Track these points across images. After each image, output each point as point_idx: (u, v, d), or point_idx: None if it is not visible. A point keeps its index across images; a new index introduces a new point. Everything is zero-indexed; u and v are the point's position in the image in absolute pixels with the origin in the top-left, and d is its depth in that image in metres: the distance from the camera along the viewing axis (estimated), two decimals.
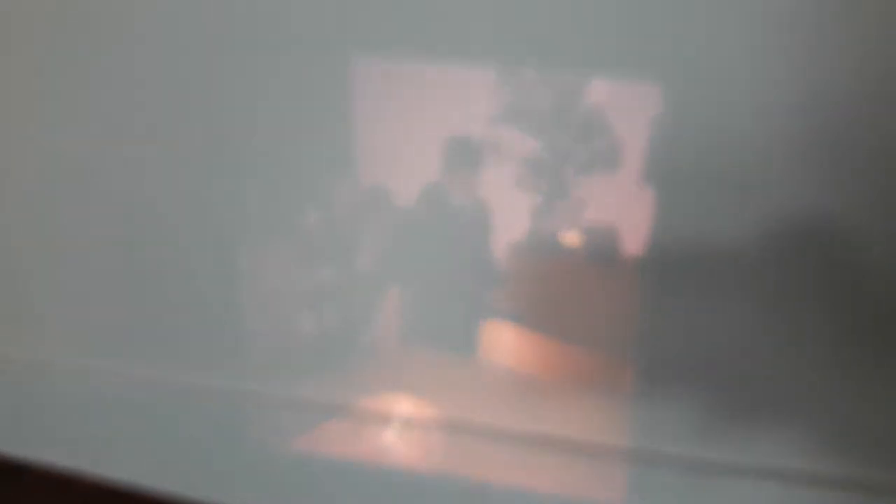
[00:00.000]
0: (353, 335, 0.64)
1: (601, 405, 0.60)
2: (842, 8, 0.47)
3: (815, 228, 0.51)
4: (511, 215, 0.57)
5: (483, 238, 0.58)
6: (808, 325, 0.53)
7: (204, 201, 0.63)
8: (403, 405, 0.65)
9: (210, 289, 0.66)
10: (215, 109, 0.60)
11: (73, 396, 0.72)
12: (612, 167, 0.54)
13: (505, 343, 0.61)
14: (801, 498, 0.56)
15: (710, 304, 0.55)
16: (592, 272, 0.57)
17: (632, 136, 0.53)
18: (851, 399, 0.54)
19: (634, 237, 0.54)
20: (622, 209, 0.54)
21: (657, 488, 0.60)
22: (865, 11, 0.46)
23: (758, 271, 0.53)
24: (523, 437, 0.62)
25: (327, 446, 0.66)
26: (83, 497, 0.72)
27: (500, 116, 0.54)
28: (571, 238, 0.56)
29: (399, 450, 0.65)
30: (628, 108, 0.52)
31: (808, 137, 0.49)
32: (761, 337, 0.55)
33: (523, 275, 0.58)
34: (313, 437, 0.67)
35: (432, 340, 0.62)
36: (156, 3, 0.58)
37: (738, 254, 0.53)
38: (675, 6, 0.49)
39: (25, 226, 0.69)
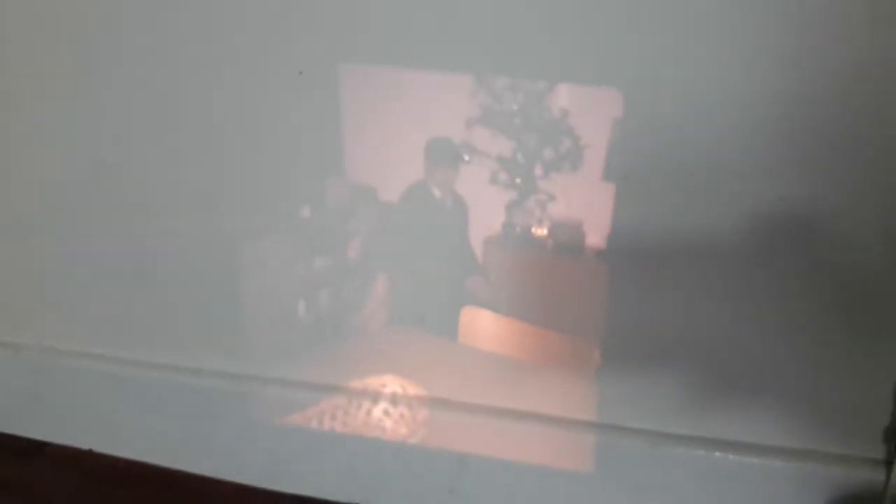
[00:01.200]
0: (345, 320, 0.67)
1: (574, 384, 0.63)
2: (823, 5, 0.48)
3: (793, 215, 0.53)
4: (487, 210, 0.60)
5: (462, 230, 0.61)
6: (785, 309, 0.56)
7: (207, 200, 0.66)
8: (391, 384, 0.67)
9: (214, 280, 0.68)
10: (219, 116, 0.63)
11: (87, 380, 0.75)
12: (579, 166, 0.56)
13: (483, 327, 0.63)
14: (764, 467, 0.60)
15: (684, 291, 0.58)
16: (564, 261, 0.60)
17: (599, 137, 0.55)
18: (824, 378, 0.57)
19: (607, 229, 0.57)
20: (592, 203, 0.57)
21: (622, 459, 0.63)
22: (847, 10, 0.48)
23: (735, 258, 0.55)
24: (500, 412, 0.65)
25: (321, 422, 0.69)
26: (96, 473, 0.75)
27: (476, 120, 0.57)
28: (542, 230, 0.59)
29: (386, 425, 0.67)
30: (596, 110, 0.55)
31: (783, 133, 0.51)
32: (738, 321, 0.57)
33: (499, 264, 0.61)
34: (309, 414, 0.69)
35: (417, 325, 0.65)
36: (165, 18, 0.61)
37: (715, 241, 0.55)
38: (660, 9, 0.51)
39: (40, 223, 0.72)
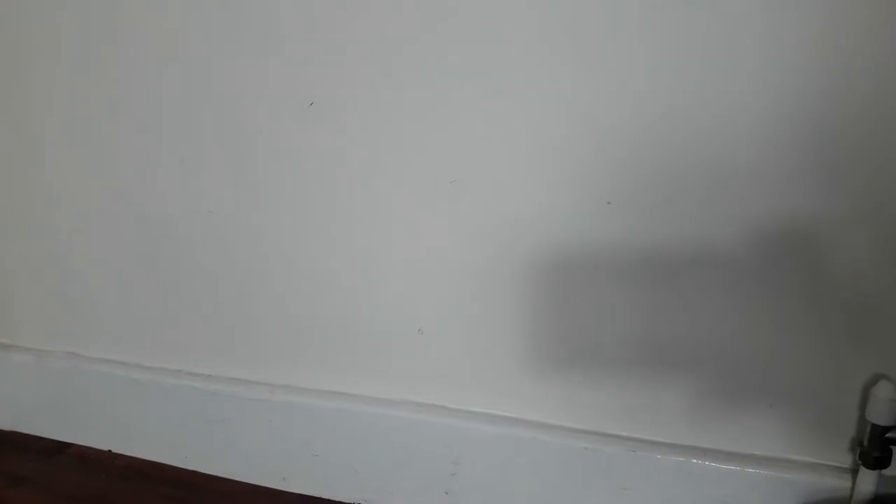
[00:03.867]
0: (350, 332, 0.69)
1: (562, 392, 0.65)
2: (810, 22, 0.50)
3: (796, 229, 0.55)
4: (485, 228, 0.62)
5: (463, 248, 0.63)
6: (761, 328, 0.58)
7: (223, 220, 0.68)
8: (392, 391, 0.70)
9: (227, 293, 0.71)
10: (232, 140, 0.66)
11: (107, 385, 0.78)
12: (569, 191, 0.59)
13: (479, 337, 0.66)
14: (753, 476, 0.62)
15: (666, 308, 0.60)
16: (555, 277, 0.62)
17: (587, 166, 0.58)
18: (796, 390, 0.60)
19: (593, 247, 0.60)
20: (580, 224, 0.60)
21: (605, 463, 0.65)
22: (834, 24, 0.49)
23: (715, 274, 0.57)
24: (493, 418, 0.68)
25: (325, 426, 0.72)
26: (115, 472, 0.78)
27: (485, 141, 0.60)
28: (536, 247, 0.61)
29: (387, 428, 0.70)
30: (585, 141, 0.57)
31: (783, 147, 0.53)
32: (716, 338, 0.60)
33: (497, 280, 0.63)
34: (313, 417, 0.72)
35: (417, 336, 0.67)
36: (192, 60, 0.64)
37: (689, 259, 0.58)
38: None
39: (66, 239, 0.75)
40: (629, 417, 0.64)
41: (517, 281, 0.64)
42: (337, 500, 0.73)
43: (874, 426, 0.57)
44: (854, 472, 0.60)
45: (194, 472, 0.77)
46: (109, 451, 0.80)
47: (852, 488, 0.60)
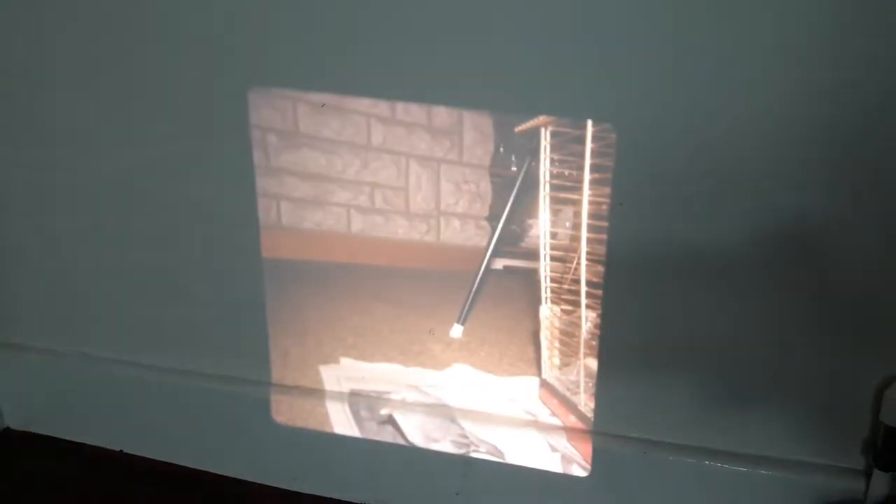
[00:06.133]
0: (360, 334, 0.69)
1: (572, 394, 0.66)
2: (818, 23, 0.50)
3: (806, 229, 0.55)
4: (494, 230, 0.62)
5: (472, 251, 0.63)
6: (774, 327, 0.58)
7: (235, 221, 0.68)
8: (402, 392, 0.70)
9: (240, 294, 0.71)
10: (243, 146, 0.65)
11: (120, 385, 0.78)
12: (582, 193, 0.59)
13: (486, 340, 0.66)
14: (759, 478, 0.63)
15: (677, 308, 0.60)
16: (564, 280, 0.62)
17: (599, 168, 0.58)
18: (808, 391, 0.60)
19: (602, 249, 0.59)
20: (592, 225, 0.59)
21: (616, 465, 0.65)
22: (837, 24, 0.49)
23: (724, 275, 0.57)
24: (504, 420, 0.68)
25: (337, 427, 0.72)
26: (127, 472, 0.79)
27: (487, 154, 0.60)
28: (545, 249, 0.62)
29: (398, 430, 0.70)
30: (595, 144, 0.57)
31: (785, 148, 0.53)
32: (728, 337, 0.59)
33: (505, 282, 0.63)
34: (326, 419, 0.72)
35: (427, 337, 0.67)
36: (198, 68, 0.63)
37: (723, 253, 0.57)
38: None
39: (79, 238, 0.74)
40: (641, 419, 0.64)
41: (527, 281, 0.63)
42: (348, 500, 0.73)
43: (888, 428, 0.57)
44: (867, 475, 0.60)
45: (208, 473, 0.78)
46: (121, 451, 0.81)
47: (866, 491, 0.60)
